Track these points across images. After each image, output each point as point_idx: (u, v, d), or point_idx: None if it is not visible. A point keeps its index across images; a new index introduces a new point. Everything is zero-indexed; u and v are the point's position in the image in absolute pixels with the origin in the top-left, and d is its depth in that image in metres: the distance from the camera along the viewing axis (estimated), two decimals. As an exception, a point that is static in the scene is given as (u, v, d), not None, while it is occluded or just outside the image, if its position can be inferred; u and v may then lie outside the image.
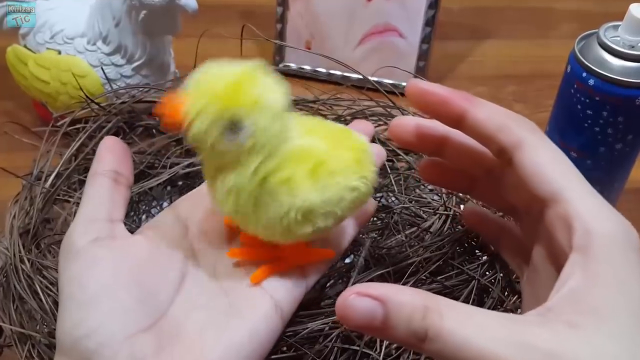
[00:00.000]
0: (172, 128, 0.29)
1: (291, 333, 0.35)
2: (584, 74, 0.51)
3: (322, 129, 0.33)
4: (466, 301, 0.39)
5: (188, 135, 0.29)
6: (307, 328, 0.35)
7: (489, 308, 0.39)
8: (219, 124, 0.28)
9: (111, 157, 0.35)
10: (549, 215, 0.30)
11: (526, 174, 0.30)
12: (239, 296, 0.33)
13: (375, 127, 0.52)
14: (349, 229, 0.38)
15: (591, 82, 0.50)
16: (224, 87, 0.28)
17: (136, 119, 0.51)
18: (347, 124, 0.52)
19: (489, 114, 0.32)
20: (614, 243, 0.27)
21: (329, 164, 0.31)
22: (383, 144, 0.51)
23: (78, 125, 0.49)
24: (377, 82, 0.54)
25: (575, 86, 0.52)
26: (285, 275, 0.34)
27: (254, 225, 0.32)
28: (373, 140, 0.41)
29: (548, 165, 0.30)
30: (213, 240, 0.35)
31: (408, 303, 0.25)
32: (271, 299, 0.32)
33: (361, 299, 0.26)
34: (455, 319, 0.25)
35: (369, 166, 0.33)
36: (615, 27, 0.51)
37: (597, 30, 0.52)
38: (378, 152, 0.41)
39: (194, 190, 0.38)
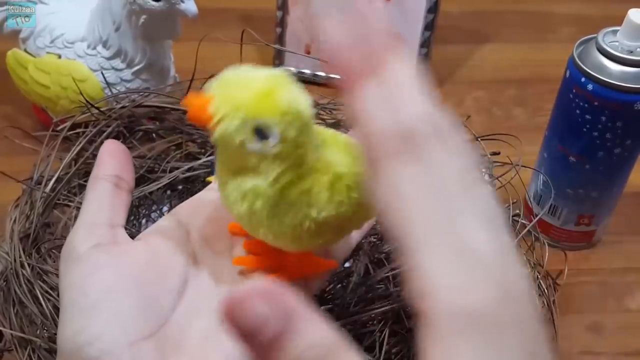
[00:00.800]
0: (197, 123, 0.29)
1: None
2: (583, 79, 0.51)
3: (338, 141, 0.32)
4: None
5: (213, 134, 0.29)
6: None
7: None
8: (247, 129, 0.28)
9: (112, 161, 0.35)
10: None
11: None
12: None
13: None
14: (352, 240, 0.38)
15: (590, 87, 0.50)
16: (255, 92, 0.28)
17: (136, 124, 0.51)
18: (347, 129, 0.52)
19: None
20: None
21: (346, 179, 0.30)
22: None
23: (78, 130, 0.49)
24: (376, 86, 0.54)
25: (574, 91, 0.52)
26: (289, 284, 0.33)
27: (265, 231, 0.31)
28: None
29: None
30: (215, 247, 0.35)
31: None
32: None
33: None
34: None
35: None
36: (614, 32, 0.52)
37: (595, 35, 0.52)
38: None
39: (195, 196, 0.38)
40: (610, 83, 0.49)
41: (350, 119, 0.24)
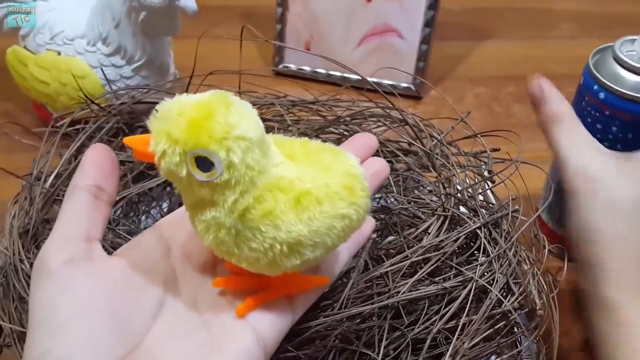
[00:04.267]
0: (144, 160, 0.28)
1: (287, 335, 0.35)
2: (595, 87, 0.49)
3: (308, 152, 0.31)
4: (464, 302, 0.39)
5: (160, 171, 0.28)
6: (305, 329, 0.35)
7: (486, 309, 0.39)
8: (189, 161, 0.27)
9: (94, 170, 0.33)
10: None
11: None
12: (219, 328, 0.31)
13: (374, 128, 0.53)
14: (343, 254, 0.36)
15: (601, 95, 0.49)
16: (189, 122, 0.27)
17: (136, 120, 0.51)
18: (346, 125, 0.52)
19: None
20: None
21: (314, 193, 0.29)
22: (382, 144, 0.51)
23: (78, 126, 0.49)
24: (376, 83, 0.54)
25: (586, 99, 0.50)
26: (270, 306, 0.32)
27: (237, 259, 0.30)
28: (376, 153, 0.40)
29: None
30: (197, 264, 0.33)
31: None
32: (254, 332, 0.31)
33: None
34: None
35: (360, 192, 0.31)
36: (632, 41, 0.50)
37: (613, 43, 0.50)
38: (380, 169, 0.39)
39: (178, 210, 0.36)
40: (623, 93, 0.47)
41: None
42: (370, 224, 0.39)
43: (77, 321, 0.28)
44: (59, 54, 0.62)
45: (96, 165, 0.33)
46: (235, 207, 0.28)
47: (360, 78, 0.53)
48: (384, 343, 0.37)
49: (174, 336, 0.30)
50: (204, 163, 0.27)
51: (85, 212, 0.32)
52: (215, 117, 0.27)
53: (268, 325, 0.31)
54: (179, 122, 0.27)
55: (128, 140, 0.28)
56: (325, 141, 0.33)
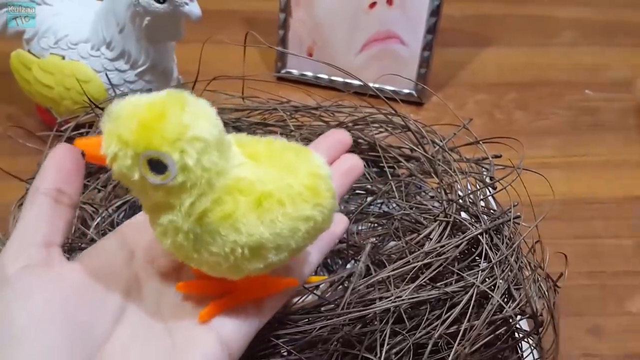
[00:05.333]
0: (96, 163, 0.27)
1: (289, 339, 0.35)
2: None
3: (271, 153, 0.30)
4: (465, 307, 0.39)
5: (112, 174, 0.27)
6: (306, 333, 0.35)
7: (488, 314, 0.39)
8: (142, 164, 0.26)
9: (55, 172, 0.31)
10: None
11: None
12: (182, 334, 0.30)
13: (376, 134, 0.53)
14: (314, 255, 0.35)
15: None
16: (140, 123, 0.25)
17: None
18: (349, 130, 0.53)
19: None
20: None
21: (276, 194, 0.28)
22: (384, 150, 0.52)
23: (82, 130, 0.49)
24: (378, 89, 0.55)
25: None
26: (236, 309, 0.31)
27: (197, 263, 0.29)
28: (352, 150, 0.40)
29: None
30: (161, 269, 0.32)
31: None
32: (217, 337, 0.30)
33: None
34: None
35: (325, 192, 0.30)
36: None
37: None
38: (353, 166, 0.38)
39: (142, 213, 0.34)
40: None
41: None
42: (342, 224, 0.38)
43: (32, 331, 0.27)
44: (63, 58, 0.63)
45: (58, 167, 0.31)
46: (193, 211, 0.27)
47: (362, 84, 0.54)
48: (385, 347, 0.37)
49: (135, 343, 0.29)
50: (157, 166, 0.26)
51: (44, 216, 0.31)
52: (168, 118, 0.26)
53: (233, 329, 0.31)
54: (130, 123, 0.26)
55: (79, 142, 0.27)
56: None
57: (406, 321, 0.38)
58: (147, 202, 0.28)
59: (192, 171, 0.26)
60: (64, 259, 0.31)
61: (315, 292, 0.39)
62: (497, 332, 0.40)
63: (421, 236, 0.43)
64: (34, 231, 0.30)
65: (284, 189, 0.28)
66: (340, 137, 0.39)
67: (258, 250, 0.28)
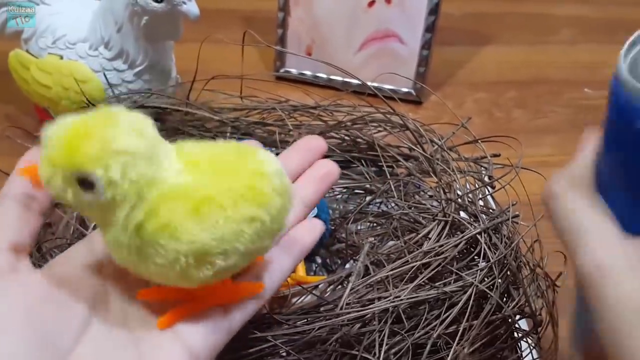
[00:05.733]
0: (43, 189, 0.28)
1: (287, 339, 0.35)
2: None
3: (212, 156, 0.29)
4: (464, 307, 0.39)
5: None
6: (305, 333, 0.35)
7: (487, 314, 0.39)
8: (72, 184, 0.26)
9: (25, 178, 0.31)
10: None
11: None
12: (148, 344, 0.30)
13: (375, 133, 0.53)
14: (283, 259, 0.35)
15: None
16: (64, 144, 0.26)
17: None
18: (347, 130, 0.53)
19: None
20: None
21: (216, 198, 0.27)
22: (383, 149, 0.52)
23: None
24: (377, 88, 0.54)
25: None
26: (202, 317, 0.31)
27: (148, 275, 0.29)
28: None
29: None
30: (129, 278, 0.31)
31: None
32: (184, 346, 0.30)
33: None
34: None
35: (269, 192, 0.29)
36: None
37: None
38: (329, 171, 0.38)
39: None
40: None
41: None
42: (316, 228, 0.37)
43: None
44: (61, 57, 0.63)
45: (27, 171, 0.31)
46: (128, 224, 0.27)
47: (361, 83, 0.54)
48: (384, 347, 0.37)
49: (101, 353, 0.29)
50: (86, 184, 0.26)
51: (12, 222, 0.30)
52: (91, 135, 0.26)
53: (200, 337, 0.30)
54: (58, 145, 0.26)
55: (22, 171, 0.28)
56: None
57: (405, 321, 0.38)
58: (92, 221, 0.29)
59: (119, 185, 0.26)
60: (31, 266, 0.30)
61: (314, 292, 0.39)
62: (496, 332, 0.40)
63: (420, 236, 0.43)
64: (0, 237, 0.30)
65: (223, 192, 0.28)
66: (314, 144, 0.39)
67: (203, 256, 0.28)
